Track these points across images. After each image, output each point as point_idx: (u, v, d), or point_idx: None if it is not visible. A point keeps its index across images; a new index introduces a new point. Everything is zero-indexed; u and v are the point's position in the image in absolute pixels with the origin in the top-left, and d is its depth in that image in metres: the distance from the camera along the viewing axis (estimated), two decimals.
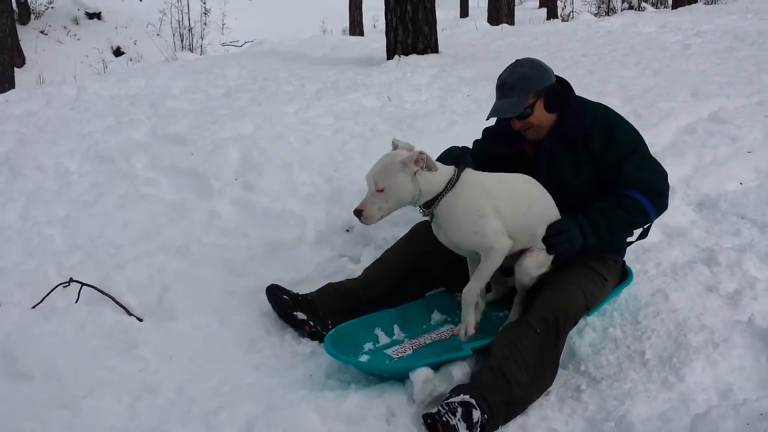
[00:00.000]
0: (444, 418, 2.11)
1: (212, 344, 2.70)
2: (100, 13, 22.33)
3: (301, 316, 2.76)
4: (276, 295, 2.82)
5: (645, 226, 2.82)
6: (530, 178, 2.67)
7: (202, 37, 18.92)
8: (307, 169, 3.87)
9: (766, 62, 5.93)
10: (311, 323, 2.76)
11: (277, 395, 2.39)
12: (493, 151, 2.87)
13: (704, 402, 2.24)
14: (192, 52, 16.66)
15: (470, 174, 2.58)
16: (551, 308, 2.44)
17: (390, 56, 7.06)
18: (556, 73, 2.74)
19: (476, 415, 2.14)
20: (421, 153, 2.43)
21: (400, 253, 2.90)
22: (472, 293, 2.58)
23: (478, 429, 2.14)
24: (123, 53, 19.85)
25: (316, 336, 2.75)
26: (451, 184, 2.50)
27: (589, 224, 2.59)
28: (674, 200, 3.72)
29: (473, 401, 2.16)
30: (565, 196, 2.69)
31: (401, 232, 3.26)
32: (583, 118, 2.69)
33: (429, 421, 2.17)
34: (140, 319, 2.80)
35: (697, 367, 2.42)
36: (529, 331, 2.39)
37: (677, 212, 3.64)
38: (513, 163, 2.78)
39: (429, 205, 2.52)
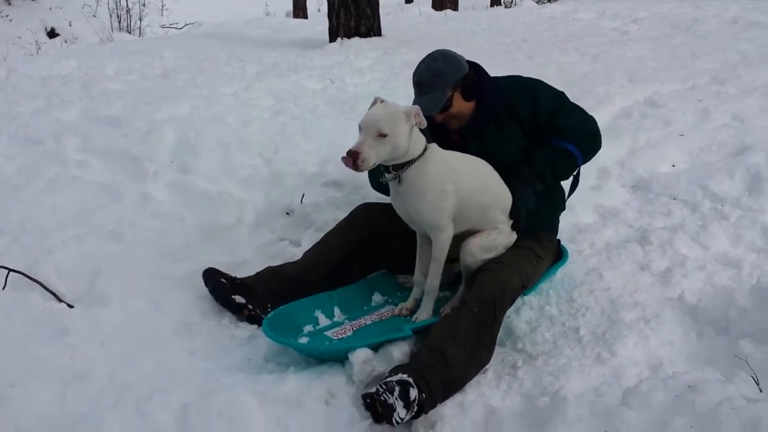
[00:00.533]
0: (382, 398, 2.11)
1: (146, 330, 2.62)
2: None
3: (239, 299, 2.73)
4: (213, 278, 2.77)
5: (574, 174, 2.95)
6: (487, 163, 2.70)
7: (140, 19, 18.36)
8: (245, 151, 3.80)
9: (699, 49, 6.11)
10: (250, 306, 2.72)
11: (213, 380, 2.33)
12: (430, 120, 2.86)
13: (636, 376, 2.28)
14: (130, 33, 16.19)
15: (437, 149, 2.59)
16: (488, 289, 2.48)
17: (332, 39, 7.00)
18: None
19: (413, 393, 2.14)
20: (418, 108, 2.45)
21: (340, 235, 2.88)
22: (435, 286, 2.62)
23: (416, 407, 2.14)
24: (57, 35, 19.13)
25: (255, 320, 2.71)
26: (425, 149, 2.52)
27: (535, 177, 2.72)
28: (609, 182, 3.83)
29: (411, 380, 2.16)
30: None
31: (343, 215, 3.24)
32: (499, 94, 2.76)
33: (368, 400, 2.17)
34: (71, 306, 2.70)
35: (629, 343, 2.48)
36: (466, 311, 2.42)
37: (612, 193, 3.74)
38: (448, 144, 2.79)
39: (398, 168, 2.50)
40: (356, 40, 6.81)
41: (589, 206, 3.55)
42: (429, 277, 2.60)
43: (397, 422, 2.11)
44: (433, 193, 2.50)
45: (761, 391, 2.03)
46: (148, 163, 3.64)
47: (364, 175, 3.40)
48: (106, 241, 3.01)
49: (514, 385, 2.36)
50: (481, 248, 2.62)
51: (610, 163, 3.93)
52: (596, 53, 6.33)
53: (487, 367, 2.45)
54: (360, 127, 2.41)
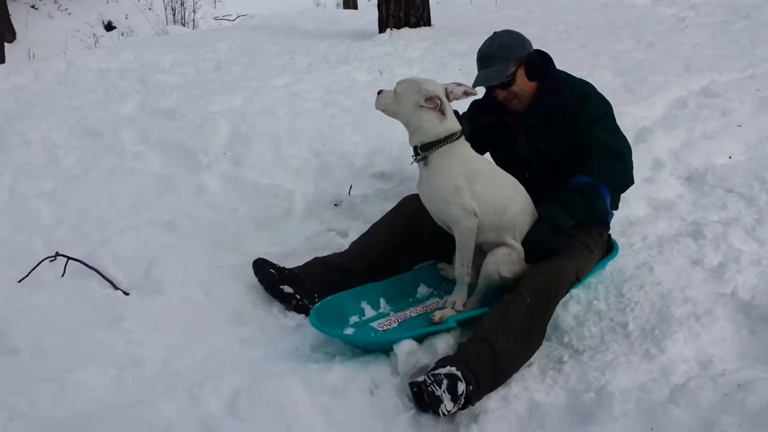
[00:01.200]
0: (430, 389, 2.13)
1: (198, 317, 2.71)
2: None
3: (287, 289, 2.79)
4: (263, 268, 2.83)
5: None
6: (521, 187, 2.70)
7: (194, 11, 18.69)
8: (296, 143, 3.86)
9: (759, 36, 5.89)
10: (297, 296, 2.78)
11: (262, 367, 2.40)
12: (478, 122, 2.86)
13: (684, 373, 2.26)
14: (184, 26, 16.49)
15: (464, 144, 2.63)
16: (544, 279, 2.48)
17: (382, 30, 7.00)
18: (548, 46, 2.76)
19: (461, 387, 2.16)
20: (438, 97, 2.53)
21: (386, 226, 2.91)
22: (463, 273, 2.62)
23: (463, 400, 2.16)
24: (114, 27, 19.63)
25: (302, 309, 2.77)
26: (452, 137, 2.57)
27: (565, 215, 2.61)
28: (663, 173, 3.74)
29: (459, 373, 2.18)
30: (545, 166, 2.75)
31: (390, 206, 3.26)
32: (561, 90, 2.75)
33: (415, 389, 2.19)
34: (126, 293, 2.81)
35: (678, 339, 2.44)
36: (519, 301, 2.42)
37: (665, 186, 3.66)
38: (496, 133, 2.82)
39: (425, 149, 2.57)
40: (406, 30, 6.80)
41: (641, 199, 3.48)
42: (456, 264, 2.62)
43: (444, 414, 2.14)
44: (447, 187, 2.55)
45: None
46: (202, 155, 3.74)
47: (411, 168, 3.44)
48: (162, 231, 3.11)
49: (559, 380, 2.36)
50: (508, 262, 2.58)
51: (664, 154, 3.85)
52: (651, 41, 6.16)
53: (531, 361, 2.45)
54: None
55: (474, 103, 2.99)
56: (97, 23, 19.37)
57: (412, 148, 2.67)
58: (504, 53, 2.68)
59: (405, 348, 2.40)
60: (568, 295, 2.74)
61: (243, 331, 2.68)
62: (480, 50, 2.76)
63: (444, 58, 5.71)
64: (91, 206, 3.33)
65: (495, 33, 2.78)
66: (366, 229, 3.04)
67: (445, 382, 2.15)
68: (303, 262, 2.93)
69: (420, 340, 2.46)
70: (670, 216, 3.37)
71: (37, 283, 2.79)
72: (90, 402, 2.27)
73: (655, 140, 3.96)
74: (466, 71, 5.20)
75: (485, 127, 2.83)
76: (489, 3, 10.15)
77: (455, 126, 2.60)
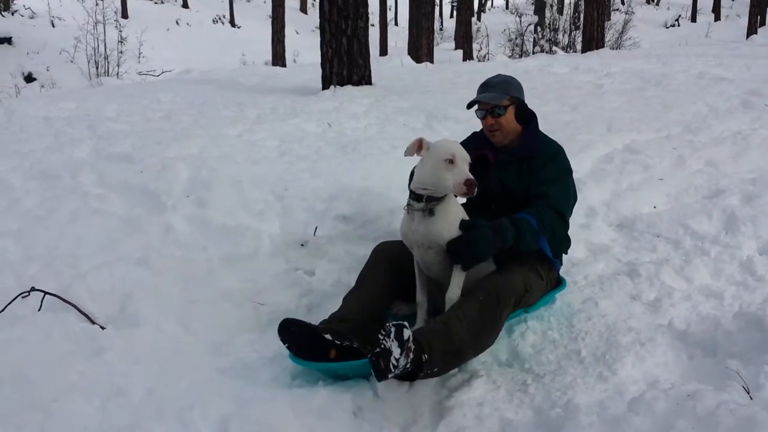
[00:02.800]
0: (381, 344, 2.28)
1: (178, 349, 2.78)
2: (10, 38, 21.72)
3: (328, 337, 2.62)
4: (295, 325, 2.65)
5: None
6: None
7: (118, 65, 18.63)
8: (257, 187, 4.00)
9: (670, 101, 6.53)
10: (338, 342, 2.62)
11: (247, 394, 2.49)
12: None
13: (636, 391, 2.50)
14: (108, 78, 16.34)
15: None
16: (493, 282, 2.76)
17: (326, 86, 7.29)
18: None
19: (407, 333, 2.31)
20: (419, 139, 2.78)
21: (374, 273, 3.01)
22: (457, 294, 2.78)
23: (411, 347, 2.31)
24: (35, 79, 19.28)
25: (345, 355, 2.61)
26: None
27: (505, 237, 2.81)
28: (596, 221, 4.11)
29: (405, 323, 2.33)
30: (508, 202, 3.04)
31: (354, 247, 3.49)
32: (538, 142, 3.11)
33: (373, 358, 2.30)
34: (103, 327, 2.85)
35: (627, 363, 2.70)
36: (471, 298, 2.68)
37: (599, 232, 4.01)
38: (476, 166, 3.02)
39: (431, 200, 2.77)
40: (349, 88, 7.12)
41: (580, 242, 3.81)
42: (451, 287, 2.79)
43: (394, 366, 2.27)
44: (454, 222, 2.79)
45: (752, 398, 2.27)
46: (166, 198, 3.83)
47: (372, 210, 3.66)
48: (135, 268, 3.17)
49: (526, 400, 2.56)
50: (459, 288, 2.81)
51: (596, 203, 4.23)
52: (575, 104, 6.71)
53: (498, 384, 2.65)
54: (451, 160, 2.68)
55: (463, 141, 3.26)
56: (17, 74, 18.99)
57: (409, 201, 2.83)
58: (504, 86, 3.05)
59: None
60: (524, 326, 3.00)
61: (223, 361, 2.77)
62: (485, 80, 3.12)
63: (388, 114, 6.02)
64: (60, 244, 3.36)
65: (500, 73, 3.17)
66: (332, 269, 3.22)
67: (392, 330, 2.30)
68: (275, 299, 3.06)
69: None
70: (607, 258, 3.70)
71: (14, 318, 2.80)
72: (78, 429, 2.31)
73: (588, 191, 4.35)
74: (411, 126, 5.55)
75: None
76: (420, 67, 10.70)
77: None
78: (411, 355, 2.33)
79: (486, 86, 3.10)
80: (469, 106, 3.14)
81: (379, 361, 2.28)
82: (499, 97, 3.03)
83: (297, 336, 2.62)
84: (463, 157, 2.72)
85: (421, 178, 2.77)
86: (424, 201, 2.77)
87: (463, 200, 3.01)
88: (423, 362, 2.39)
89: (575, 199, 3.16)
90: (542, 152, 3.08)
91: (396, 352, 2.28)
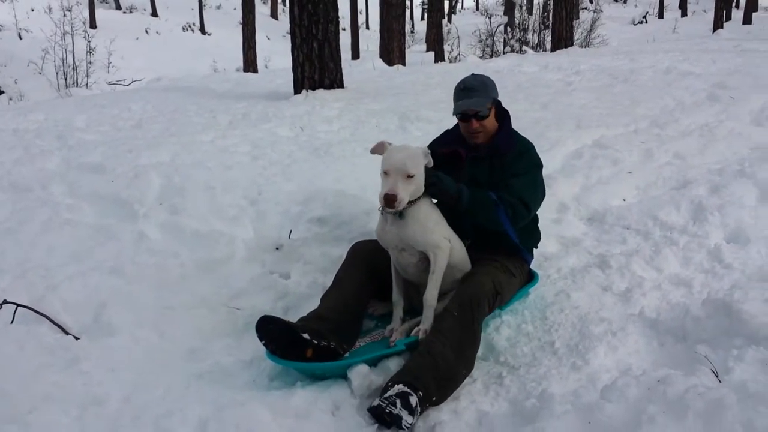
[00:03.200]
0: (387, 410, 2.32)
1: (154, 356, 2.77)
2: None
3: (306, 336, 2.64)
4: (273, 323, 2.64)
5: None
6: None
7: (87, 75, 18.47)
8: (230, 193, 4.01)
9: (638, 97, 6.64)
10: (315, 342, 2.63)
11: (225, 397, 2.49)
12: (435, 152, 3.13)
13: (608, 379, 2.55)
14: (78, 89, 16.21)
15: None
16: (464, 294, 2.78)
17: (298, 91, 7.30)
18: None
19: (413, 400, 2.36)
20: (426, 148, 2.81)
21: (351, 272, 3.03)
22: (434, 296, 2.82)
23: (419, 410, 2.36)
24: (2, 92, 19.03)
25: (322, 355, 2.65)
26: None
27: (464, 198, 2.89)
28: (567, 215, 4.17)
29: (407, 389, 2.38)
30: None
31: (329, 249, 3.49)
32: (511, 139, 3.15)
33: (375, 413, 2.37)
34: (77, 338, 2.83)
35: (600, 353, 2.76)
36: (447, 315, 2.70)
37: (570, 225, 4.07)
38: (449, 162, 3.10)
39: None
40: (321, 92, 7.13)
41: (552, 237, 3.86)
42: (428, 289, 2.82)
43: (407, 428, 2.33)
44: (431, 224, 2.83)
45: (720, 381, 2.33)
46: (138, 206, 3.81)
47: (346, 212, 3.68)
48: (108, 276, 3.15)
49: (501, 392, 2.60)
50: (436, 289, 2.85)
51: (567, 198, 4.29)
52: (545, 102, 6.79)
53: (475, 377, 2.69)
54: (386, 172, 2.71)
55: (437, 138, 3.34)
56: None
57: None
58: (484, 89, 3.05)
59: (359, 372, 2.58)
60: (499, 320, 3.04)
61: (199, 367, 2.76)
62: (461, 83, 3.09)
63: (360, 116, 6.05)
64: (32, 256, 3.33)
65: (473, 74, 3.17)
66: (307, 272, 3.23)
67: (398, 401, 2.34)
68: (251, 303, 3.06)
69: (373, 363, 2.65)
70: (578, 251, 3.76)
71: None
72: None
73: (558, 186, 4.41)
74: (384, 127, 5.58)
75: (442, 155, 3.13)
76: (392, 70, 10.74)
77: None
78: (419, 412, 2.38)
79: (467, 90, 3.07)
80: (457, 113, 3.10)
81: (383, 416, 2.34)
82: (484, 102, 3.05)
83: (274, 333, 2.62)
84: (399, 170, 2.69)
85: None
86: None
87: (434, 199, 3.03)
88: (422, 401, 2.42)
89: (543, 194, 3.18)
90: (513, 149, 3.12)
91: (408, 419, 2.33)
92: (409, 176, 2.71)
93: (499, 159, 3.10)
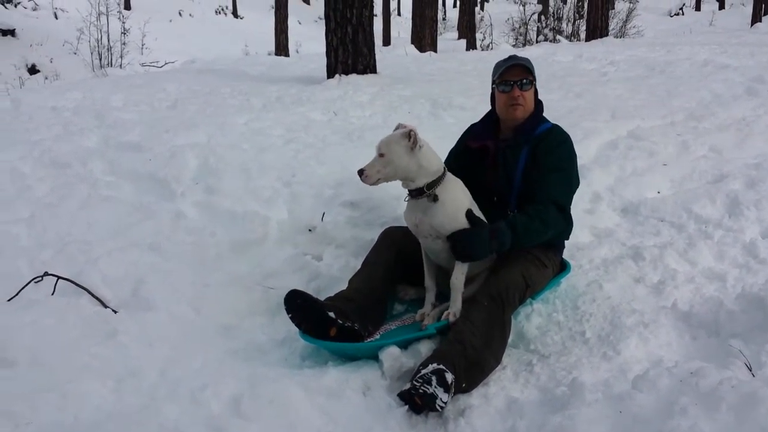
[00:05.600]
0: (420, 390, 2.34)
1: (190, 332, 2.84)
2: (14, 30, 21.74)
3: (332, 315, 2.69)
4: (300, 297, 2.71)
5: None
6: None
7: (121, 56, 18.65)
8: (265, 174, 4.05)
9: (675, 88, 6.54)
10: (340, 321, 2.68)
11: (259, 373, 2.55)
12: (465, 145, 3.23)
13: (640, 370, 2.54)
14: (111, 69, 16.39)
15: (452, 176, 2.93)
16: (494, 286, 2.79)
17: (331, 75, 7.32)
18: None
19: (449, 377, 2.39)
20: (411, 130, 2.77)
21: (381, 256, 3.06)
22: (461, 280, 2.84)
23: (453, 389, 2.39)
24: (38, 71, 19.32)
25: (346, 335, 2.69)
26: (446, 170, 2.85)
27: (503, 242, 2.82)
28: (601, 206, 4.13)
29: (443, 366, 2.41)
30: (510, 192, 3.05)
31: (361, 232, 3.52)
32: (547, 126, 3.12)
33: (406, 397, 2.40)
34: (115, 311, 2.91)
35: (631, 344, 2.75)
36: (477, 305, 2.72)
37: (604, 216, 4.04)
38: (478, 156, 3.13)
39: (431, 187, 2.81)
40: (354, 76, 7.14)
41: (585, 227, 3.84)
42: (455, 272, 2.84)
43: (441, 407, 2.35)
44: (459, 213, 2.83)
45: (754, 375, 2.32)
46: (175, 185, 3.88)
47: (377, 196, 3.71)
48: (147, 253, 3.23)
49: (531, 380, 2.62)
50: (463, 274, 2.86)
51: (601, 189, 4.26)
52: (579, 91, 6.71)
53: (504, 364, 2.71)
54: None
55: (465, 132, 3.34)
56: (21, 66, 19.05)
57: (408, 191, 2.88)
58: (530, 63, 3.07)
59: (390, 354, 2.62)
60: (530, 308, 3.04)
61: (233, 343, 2.82)
62: (508, 56, 3.16)
63: (393, 102, 6.05)
64: (72, 231, 3.41)
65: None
66: (340, 254, 3.27)
67: (434, 378, 2.36)
68: (284, 283, 3.11)
69: (404, 346, 2.68)
70: (611, 242, 3.73)
71: (27, 302, 2.86)
72: (93, 410, 2.35)
73: (593, 177, 4.37)
74: (416, 114, 5.58)
75: (471, 150, 3.15)
76: (424, 56, 10.70)
77: (440, 159, 2.89)
78: (453, 391, 2.40)
79: (512, 58, 3.10)
80: (496, 80, 3.10)
81: (415, 400, 2.37)
82: (531, 67, 3.06)
83: (301, 308, 2.67)
84: (378, 148, 2.79)
85: (408, 176, 2.85)
86: (424, 190, 2.81)
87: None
88: (454, 382, 2.44)
89: (577, 186, 3.16)
90: (548, 138, 3.08)
91: (443, 397, 2.35)
92: (381, 155, 2.76)
93: (532, 148, 3.05)
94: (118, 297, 2.96)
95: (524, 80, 3.04)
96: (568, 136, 3.17)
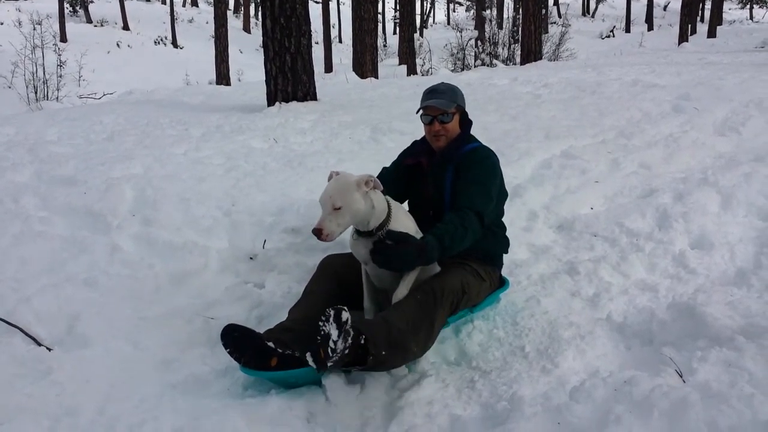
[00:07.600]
0: (321, 330, 2.38)
1: (128, 367, 2.77)
2: None
3: (271, 345, 2.65)
4: (238, 330, 2.66)
5: None
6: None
7: (58, 89, 18.30)
8: (204, 204, 4.02)
9: (605, 108, 6.79)
10: (280, 350, 2.63)
11: (199, 406, 2.50)
12: (402, 163, 3.31)
13: (577, 381, 2.61)
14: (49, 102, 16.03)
15: (396, 203, 2.97)
16: (430, 285, 2.85)
17: (271, 103, 7.34)
18: None
19: (345, 315, 2.41)
20: (370, 176, 2.79)
21: (321, 284, 3.05)
22: (404, 293, 2.84)
23: (349, 329, 2.41)
24: None
25: (287, 364, 2.61)
26: (389, 205, 2.87)
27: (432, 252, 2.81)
28: (537, 223, 4.25)
29: (344, 307, 2.45)
30: (444, 206, 3.13)
31: (303, 258, 3.52)
32: (469, 146, 3.19)
33: (314, 347, 2.40)
34: (50, 349, 2.82)
35: (569, 356, 2.82)
36: (410, 298, 2.78)
37: (540, 233, 4.15)
38: (413, 173, 3.21)
39: (380, 228, 2.81)
40: (294, 104, 7.18)
41: (522, 245, 3.94)
42: (400, 287, 2.84)
43: (332, 350, 2.36)
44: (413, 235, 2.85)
45: (684, 382, 2.40)
46: (111, 217, 3.81)
47: None
48: (81, 288, 3.15)
49: (474, 396, 2.64)
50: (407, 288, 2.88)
51: (537, 207, 4.38)
52: (514, 114, 6.91)
53: (447, 382, 2.73)
54: (320, 203, 2.74)
55: (407, 148, 3.42)
56: None
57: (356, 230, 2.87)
58: (451, 93, 3.16)
59: (333, 379, 2.61)
60: (471, 326, 3.09)
61: (173, 377, 2.76)
62: (430, 87, 3.21)
63: (334, 128, 6.10)
64: (4, 269, 3.30)
65: (443, 81, 3.26)
66: (282, 281, 3.27)
67: (332, 313, 2.41)
68: (226, 313, 3.08)
69: (347, 370, 2.68)
70: (548, 258, 3.84)
71: None
72: None
73: (529, 196, 4.50)
74: (356, 139, 5.63)
75: (407, 167, 3.22)
76: (365, 82, 10.82)
77: (383, 194, 2.88)
78: (349, 340, 2.40)
79: (434, 92, 3.18)
80: (419, 110, 3.20)
81: (320, 350, 2.37)
82: (448, 104, 3.13)
83: (239, 341, 2.62)
84: (325, 203, 2.70)
85: (362, 220, 2.83)
86: (372, 232, 2.82)
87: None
88: (362, 345, 2.45)
89: (506, 197, 3.31)
90: (472, 156, 3.16)
91: (334, 334, 2.36)
92: (336, 208, 2.67)
93: (456, 166, 3.13)
94: (53, 334, 2.88)
95: (443, 114, 3.13)
96: (492, 153, 3.24)
